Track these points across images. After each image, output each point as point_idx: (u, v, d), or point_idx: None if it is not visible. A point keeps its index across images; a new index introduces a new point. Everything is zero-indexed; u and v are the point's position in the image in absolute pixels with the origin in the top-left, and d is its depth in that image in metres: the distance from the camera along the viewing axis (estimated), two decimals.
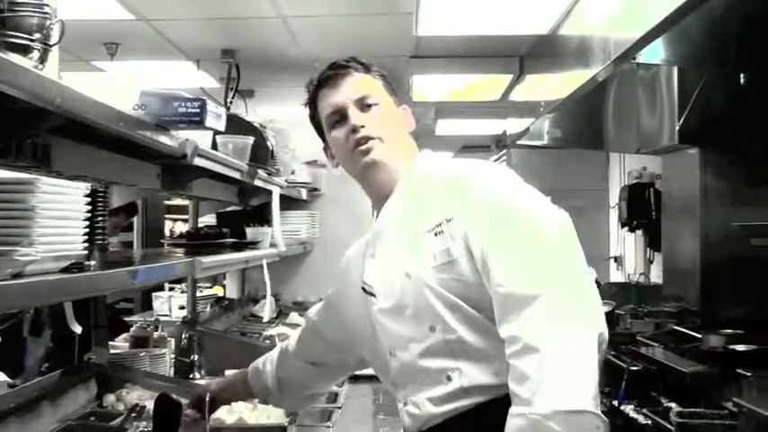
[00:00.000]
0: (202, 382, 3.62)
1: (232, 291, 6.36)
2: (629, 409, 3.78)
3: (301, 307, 5.86)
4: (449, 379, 1.81)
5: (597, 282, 6.84)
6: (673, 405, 3.45)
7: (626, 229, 6.45)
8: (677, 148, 4.82)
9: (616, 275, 7.40)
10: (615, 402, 3.89)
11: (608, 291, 6.03)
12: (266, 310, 4.47)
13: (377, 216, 2.08)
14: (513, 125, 6.75)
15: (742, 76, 4.02)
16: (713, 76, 4.28)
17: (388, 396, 3.69)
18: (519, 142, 6.55)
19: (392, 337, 1.92)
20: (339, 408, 3.37)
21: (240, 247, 3.73)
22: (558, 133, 6.04)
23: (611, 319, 4.86)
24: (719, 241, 4.56)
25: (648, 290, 5.93)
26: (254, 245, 3.97)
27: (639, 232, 6.47)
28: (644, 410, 3.64)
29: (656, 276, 6.21)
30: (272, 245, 4.14)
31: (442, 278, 1.82)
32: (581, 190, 7.76)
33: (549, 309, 1.65)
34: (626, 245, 7.29)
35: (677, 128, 4.57)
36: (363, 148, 1.97)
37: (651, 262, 6.50)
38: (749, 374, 3.20)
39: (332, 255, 5.99)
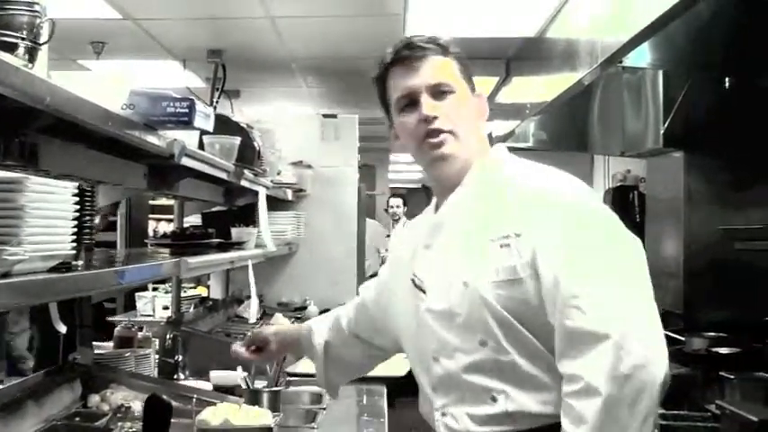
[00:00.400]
0: (187, 382, 3.61)
1: (216, 291, 6.35)
2: None
3: (286, 308, 5.85)
4: (494, 400, 1.71)
5: None
6: None
7: None
8: (662, 151, 4.84)
9: None
10: None
11: None
12: (252, 310, 4.46)
13: (437, 206, 1.93)
14: (498, 127, 6.76)
15: (727, 80, 4.05)
16: (698, 80, 4.30)
17: (371, 397, 3.69)
18: (504, 144, 6.53)
19: (439, 341, 1.80)
20: (323, 409, 3.37)
21: (226, 247, 3.73)
22: (544, 135, 6.05)
23: None
24: (703, 244, 4.58)
25: None
26: (239, 245, 3.96)
27: None
28: None
29: None
30: (258, 245, 4.14)
31: (500, 294, 1.70)
32: None
33: (618, 351, 1.55)
34: None
35: (662, 131, 4.58)
36: (434, 141, 1.82)
37: None
38: (732, 377, 3.22)
39: (317, 255, 6.07)
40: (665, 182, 4.99)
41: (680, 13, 2.60)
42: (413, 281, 1.89)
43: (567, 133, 5.89)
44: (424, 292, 1.85)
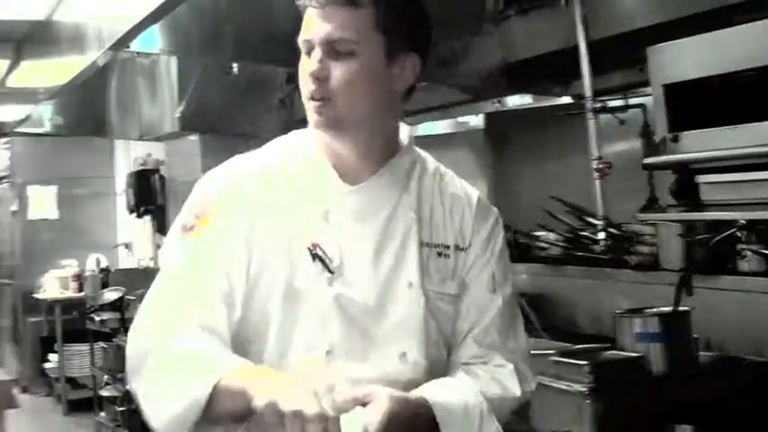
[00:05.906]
0: None
1: None
2: None
3: None
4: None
5: (108, 269, 6.75)
6: None
7: (134, 215, 6.51)
8: (178, 134, 5.01)
9: (127, 262, 7.43)
10: None
11: (118, 277, 6.07)
12: None
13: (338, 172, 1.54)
14: (11, 112, 6.49)
15: (234, 66, 4.30)
16: (209, 66, 4.51)
17: None
18: (19, 130, 6.34)
19: (346, 335, 1.48)
20: None
21: None
22: (61, 120, 5.96)
23: (122, 305, 4.90)
24: None
25: (156, 274, 6.07)
26: None
27: (148, 218, 6.57)
28: None
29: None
30: None
31: (438, 306, 1.53)
32: (87, 177, 7.71)
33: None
34: (135, 231, 7.35)
35: (177, 115, 4.74)
36: (316, 104, 1.47)
37: (159, 247, 6.63)
38: None
39: None
40: (184, 164, 5.16)
41: None
42: (312, 251, 1.51)
43: (85, 118, 5.88)
44: (331, 272, 1.50)
